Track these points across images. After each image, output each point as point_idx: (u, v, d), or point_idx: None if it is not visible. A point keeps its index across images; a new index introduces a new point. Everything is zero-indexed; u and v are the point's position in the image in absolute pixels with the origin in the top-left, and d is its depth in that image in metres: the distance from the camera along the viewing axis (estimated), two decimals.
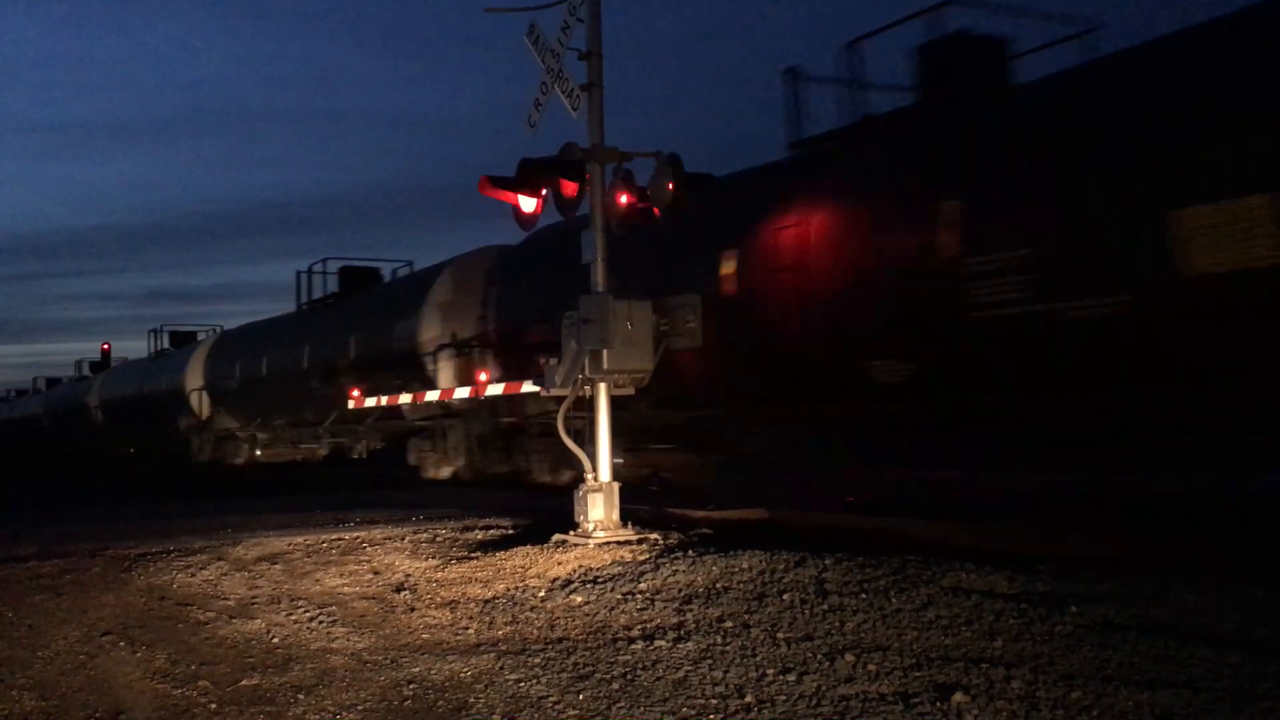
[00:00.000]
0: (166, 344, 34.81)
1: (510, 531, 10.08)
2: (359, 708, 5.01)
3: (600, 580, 7.33)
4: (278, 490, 17.68)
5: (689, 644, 5.71)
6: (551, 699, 4.97)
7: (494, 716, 4.79)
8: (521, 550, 8.67)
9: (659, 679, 5.17)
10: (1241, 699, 4.47)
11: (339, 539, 9.70)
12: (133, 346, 37.44)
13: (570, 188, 9.40)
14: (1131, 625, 5.60)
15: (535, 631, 6.34)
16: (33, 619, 6.99)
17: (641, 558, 7.94)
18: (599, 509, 9.06)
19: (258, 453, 26.55)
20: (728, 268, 11.10)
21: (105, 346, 43.19)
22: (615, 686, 5.09)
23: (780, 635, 5.80)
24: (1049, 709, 4.46)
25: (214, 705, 5.14)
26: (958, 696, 4.60)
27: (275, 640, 6.38)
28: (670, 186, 9.17)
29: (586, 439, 9.33)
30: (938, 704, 4.56)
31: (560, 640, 6.04)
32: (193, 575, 8.27)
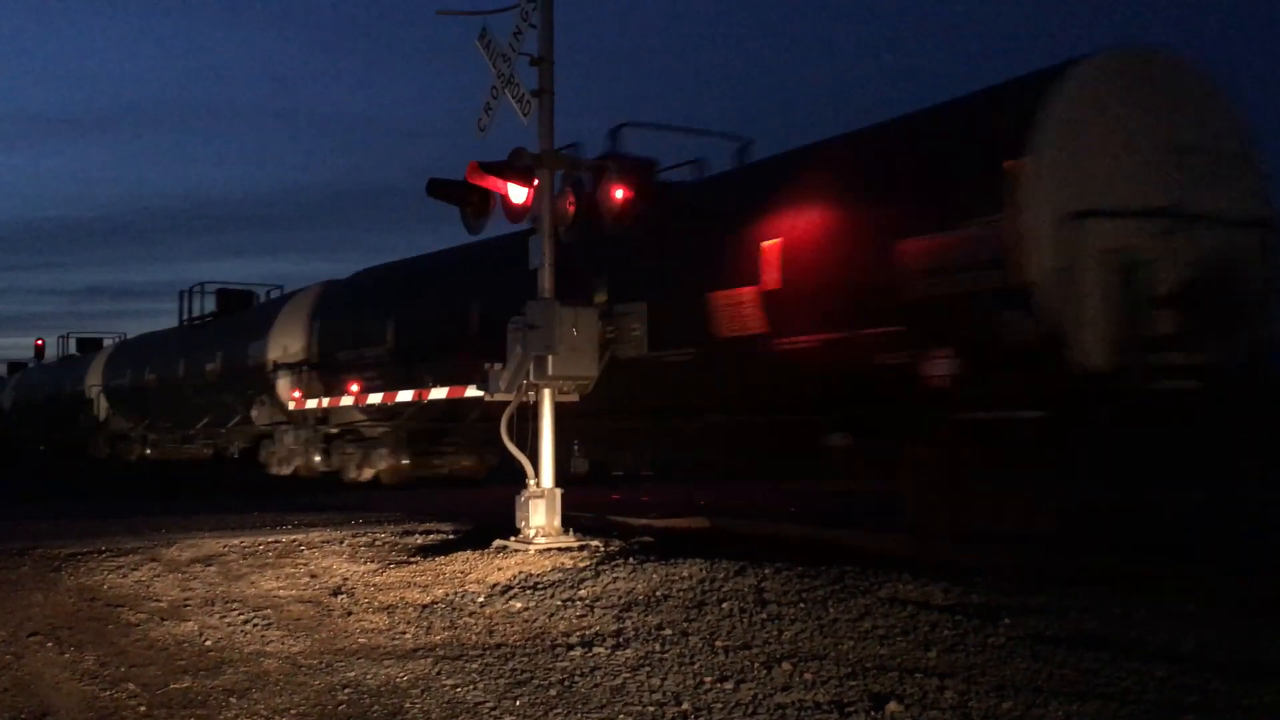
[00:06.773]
0: (74, 349, 37.47)
1: (451, 536, 10.02)
2: (292, 712, 4.95)
3: (540, 586, 7.31)
4: (198, 489, 17.74)
5: (628, 651, 5.71)
6: (488, 705, 4.94)
7: None
8: (462, 555, 8.62)
9: (597, 686, 5.16)
10: (1167, 711, 4.57)
11: (276, 541, 9.59)
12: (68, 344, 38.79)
13: (521, 194, 9.39)
14: (1063, 638, 5.70)
15: (473, 637, 6.30)
16: None
17: (582, 564, 7.94)
18: (540, 515, 9.03)
19: (148, 451, 28.38)
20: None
21: (39, 342, 42.78)
22: (553, 693, 5.08)
23: (719, 643, 5.82)
24: (981, 719, 4.52)
25: (143, 708, 5.04)
26: (892, 706, 4.65)
27: (208, 643, 6.29)
28: (618, 195, 9.19)
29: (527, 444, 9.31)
30: (872, 713, 4.61)
31: (499, 646, 6.02)
32: (124, 576, 8.13)
